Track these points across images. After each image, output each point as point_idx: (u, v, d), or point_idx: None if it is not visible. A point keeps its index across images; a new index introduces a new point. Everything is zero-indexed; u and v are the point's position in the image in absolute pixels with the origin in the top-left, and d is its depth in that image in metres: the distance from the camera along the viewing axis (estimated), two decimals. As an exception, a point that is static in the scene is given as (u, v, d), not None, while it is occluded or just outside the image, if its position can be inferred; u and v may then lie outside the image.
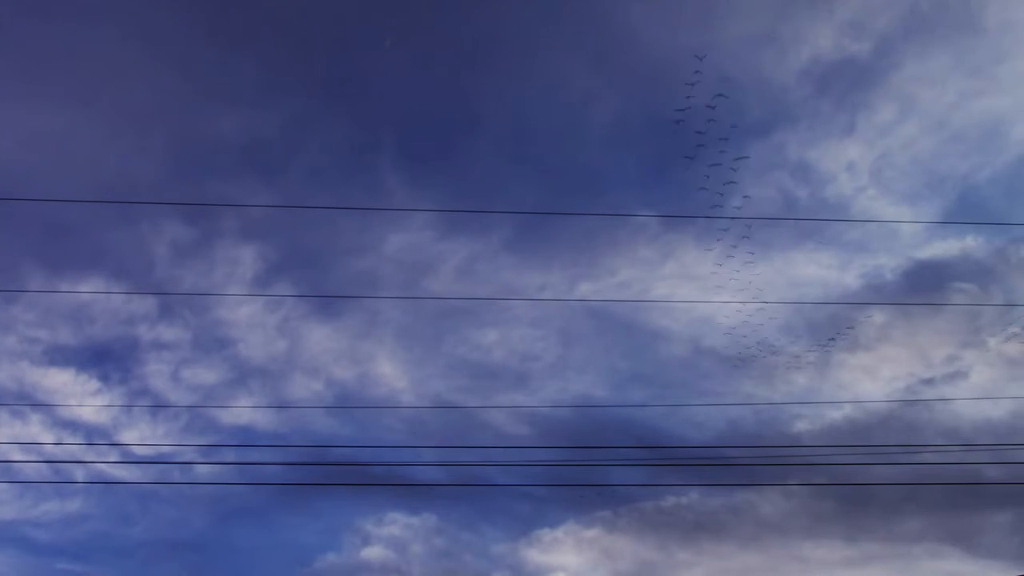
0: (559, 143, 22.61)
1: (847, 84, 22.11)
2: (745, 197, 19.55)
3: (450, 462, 13.86)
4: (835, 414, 20.00)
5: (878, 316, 21.07)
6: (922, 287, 21.59)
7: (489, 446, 14.41)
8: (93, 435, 18.24)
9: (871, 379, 21.71)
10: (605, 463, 13.82)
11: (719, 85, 21.71)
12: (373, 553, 22.06)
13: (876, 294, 21.39)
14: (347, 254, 21.54)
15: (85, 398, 20.82)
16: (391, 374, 21.98)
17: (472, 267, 21.77)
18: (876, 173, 22.37)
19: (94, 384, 21.87)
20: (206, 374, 22.01)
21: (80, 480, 14.78)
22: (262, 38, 20.94)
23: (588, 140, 22.77)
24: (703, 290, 21.65)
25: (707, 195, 22.28)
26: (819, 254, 22.06)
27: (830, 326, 21.05)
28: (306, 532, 22.90)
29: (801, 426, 19.89)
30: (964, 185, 22.47)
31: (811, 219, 21.64)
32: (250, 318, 21.89)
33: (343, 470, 13.74)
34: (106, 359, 21.79)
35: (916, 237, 22.20)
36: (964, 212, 22.63)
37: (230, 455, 16.00)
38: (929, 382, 21.30)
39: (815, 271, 22.00)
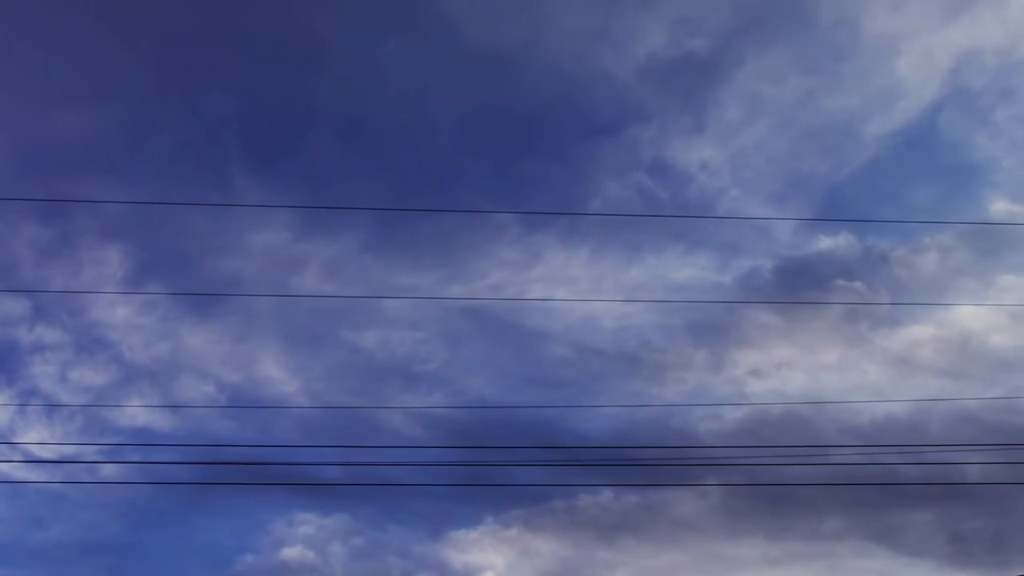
0: (407, 142, 22.51)
1: (690, 81, 22.12)
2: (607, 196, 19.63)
3: (358, 462, 13.58)
4: (734, 413, 19.87)
5: (764, 315, 21.02)
6: (802, 286, 21.62)
7: (398, 446, 14.15)
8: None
9: (762, 379, 21.67)
10: (516, 463, 13.61)
11: (561, 82, 21.72)
12: (292, 553, 21.56)
13: (756, 294, 21.40)
14: (212, 254, 21.21)
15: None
16: (279, 376, 21.61)
17: (341, 268, 21.55)
18: (734, 173, 22.44)
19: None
20: (92, 376, 21.62)
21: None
22: (99, 35, 20.52)
23: (436, 138, 22.69)
24: (576, 292, 21.63)
25: (568, 195, 22.33)
26: (692, 256, 22.01)
27: (715, 326, 21.05)
28: (220, 533, 22.38)
29: (703, 426, 19.74)
30: (826, 184, 22.65)
31: (681, 216, 21.54)
32: (128, 319, 21.43)
33: (251, 471, 13.46)
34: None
35: (789, 237, 22.36)
36: (828, 211, 22.90)
37: (131, 456, 15.45)
38: (820, 380, 21.28)
39: (691, 272, 21.98)
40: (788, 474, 13.94)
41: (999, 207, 21.44)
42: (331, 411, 16.85)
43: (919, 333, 21.24)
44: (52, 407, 18.28)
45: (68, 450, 15.21)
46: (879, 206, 23.46)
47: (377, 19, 21.60)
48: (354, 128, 22.46)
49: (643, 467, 13.90)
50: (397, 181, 21.95)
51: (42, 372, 21.39)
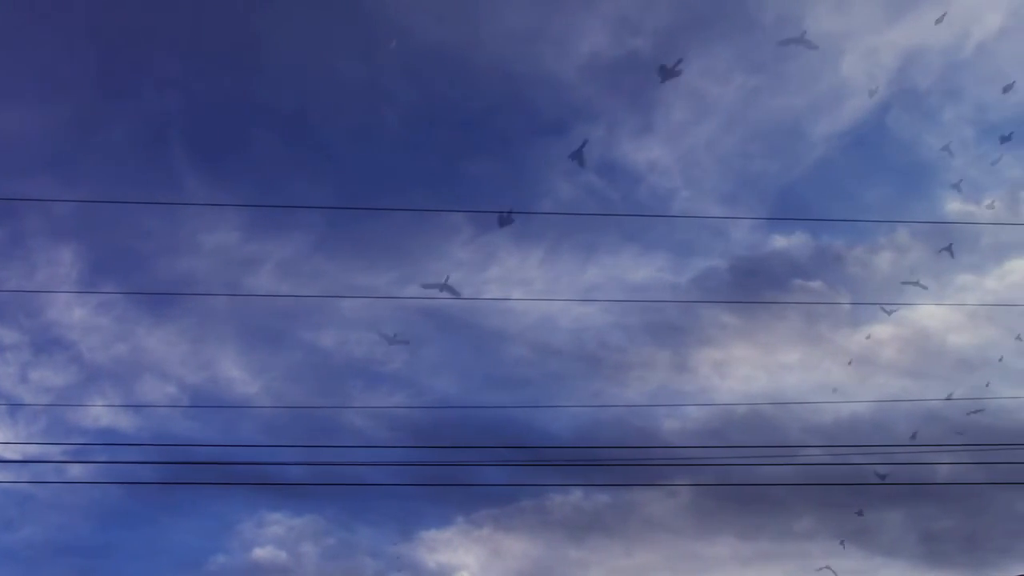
0: (353, 141, 22.38)
1: (634, 81, 22.07)
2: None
3: (326, 463, 13.48)
4: (697, 413, 19.85)
5: (724, 316, 21.02)
6: (759, 286, 21.62)
7: (366, 446, 14.05)
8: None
9: (723, 378, 21.68)
10: (484, 463, 13.53)
11: (505, 81, 21.67)
12: (263, 554, 21.43)
13: (713, 295, 21.40)
14: (164, 254, 20.96)
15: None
16: (240, 377, 21.52)
17: (295, 268, 21.31)
18: (684, 173, 22.38)
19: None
20: (53, 377, 21.45)
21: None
22: (42, 33, 20.27)
23: (382, 138, 22.51)
24: (532, 293, 21.58)
25: (518, 195, 22.28)
26: (647, 256, 21.95)
27: (675, 327, 21.04)
28: (190, 534, 22.28)
29: (667, 425, 19.72)
30: (777, 184, 22.62)
31: (640, 215, 21.51)
32: (85, 320, 21.28)
33: (218, 472, 13.35)
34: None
35: (744, 237, 22.30)
36: (781, 211, 22.91)
37: (97, 457, 15.28)
38: (781, 379, 21.30)
39: (647, 273, 21.86)
40: (758, 474, 13.92)
41: (952, 206, 21.54)
42: (296, 412, 16.71)
43: (879, 332, 21.30)
44: (14, 407, 18.05)
45: (33, 450, 15.03)
46: (832, 206, 23.49)
47: (320, 17, 21.46)
48: (299, 128, 22.29)
49: (611, 467, 13.84)
50: (345, 181, 21.78)
51: (1, 373, 21.23)
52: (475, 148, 22.35)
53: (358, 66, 21.89)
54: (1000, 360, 18.92)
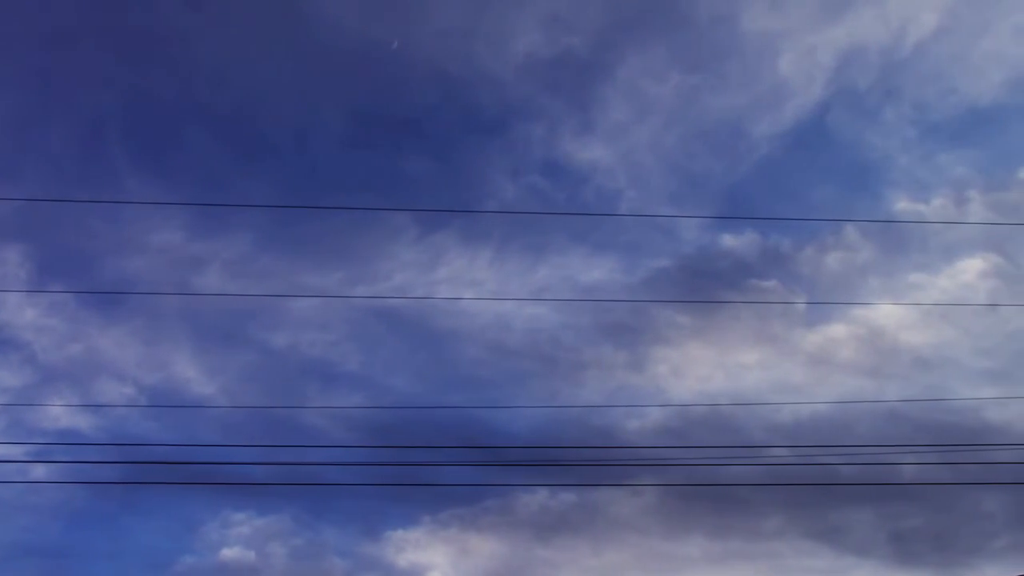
0: (292, 142, 22.33)
1: (572, 80, 22.01)
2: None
3: (290, 462, 13.35)
4: (656, 413, 19.79)
5: (680, 316, 20.95)
6: (713, 286, 21.58)
7: (330, 445, 13.95)
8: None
9: (681, 378, 21.63)
10: (449, 463, 13.43)
11: (441, 81, 21.56)
12: (232, 554, 21.22)
13: (666, 295, 21.32)
14: (111, 254, 20.86)
15: None
16: (196, 377, 21.33)
17: (244, 268, 21.23)
18: (629, 173, 22.36)
19: None
20: (7, 377, 21.05)
21: None
22: None
23: (321, 138, 22.45)
24: (482, 293, 21.48)
25: (461, 196, 22.18)
26: (597, 257, 21.89)
27: (631, 327, 20.97)
28: (156, 535, 22.00)
29: (628, 425, 19.62)
30: (722, 184, 22.67)
31: (593, 214, 21.42)
32: (37, 320, 21.04)
33: (182, 472, 13.21)
34: None
35: (695, 237, 22.37)
36: (728, 211, 22.91)
37: (59, 457, 15.08)
38: (739, 379, 21.25)
39: (599, 274, 21.80)
40: (725, 474, 13.88)
41: (899, 206, 21.59)
42: (255, 412, 16.55)
43: (835, 332, 21.33)
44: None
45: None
46: (778, 205, 23.53)
47: (256, 17, 21.32)
48: (238, 127, 22.19)
49: (577, 467, 13.77)
50: (285, 181, 21.71)
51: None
52: (415, 148, 22.30)
53: (295, 65, 21.82)
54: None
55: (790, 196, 22.76)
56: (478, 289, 21.47)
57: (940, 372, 20.34)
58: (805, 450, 14.08)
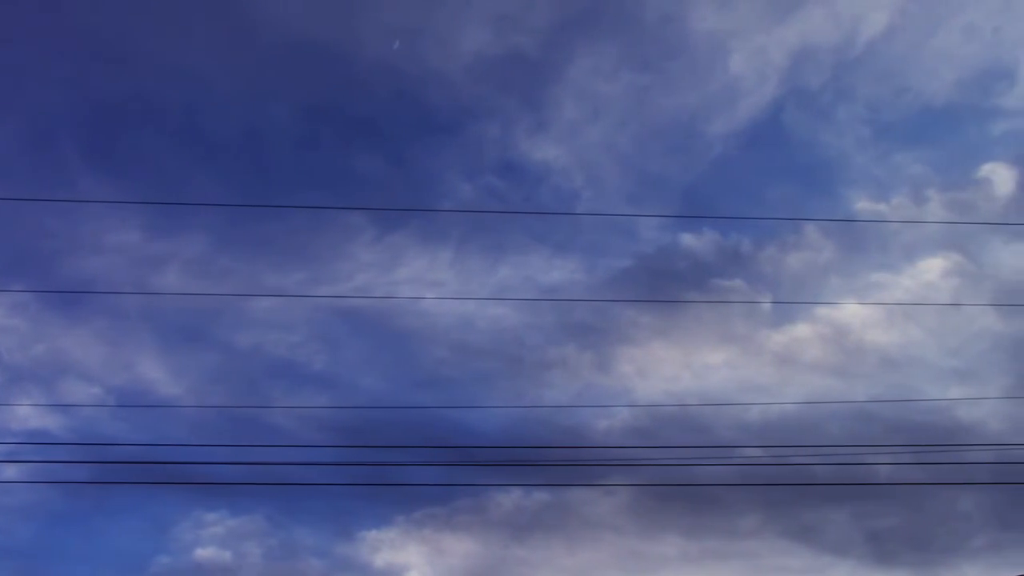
0: (243, 141, 22.18)
1: (524, 79, 21.92)
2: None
3: (263, 462, 13.24)
4: (623, 413, 19.74)
5: (644, 316, 20.89)
6: (677, 286, 21.53)
7: (303, 445, 13.82)
8: None
9: (647, 378, 21.57)
10: (422, 463, 13.36)
11: (392, 80, 21.44)
12: (207, 554, 21.07)
13: (629, 295, 21.28)
14: (69, 255, 20.64)
15: None
16: (162, 378, 21.09)
17: (204, 268, 21.00)
18: (586, 173, 22.29)
19: None
20: None
21: None
22: None
23: (272, 139, 22.29)
24: (444, 294, 21.37)
25: (418, 197, 22.05)
26: (558, 258, 21.83)
27: (596, 327, 20.91)
28: (130, 535, 21.81)
29: (597, 425, 19.57)
30: (679, 184, 22.65)
31: (555, 213, 21.33)
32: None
33: (154, 473, 13.10)
34: None
35: (656, 237, 22.30)
36: (687, 211, 22.80)
37: (29, 458, 14.91)
38: (705, 379, 21.22)
39: (560, 274, 21.72)
40: (700, 473, 13.83)
41: (858, 205, 21.61)
42: (225, 412, 16.43)
43: (800, 331, 21.31)
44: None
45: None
46: (736, 205, 23.49)
47: (205, 15, 21.15)
48: (190, 128, 22.00)
49: (549, 467, 13.70)
50: (239, 181, 21.55)
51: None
52: (369, 148, 22.19)
53: (245, 64, 21.63)
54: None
55: (747, 196, 22.78)
56: (440, 289, 21.41)
57: (907, 371, 20.39)
58: (779, 450, 14.07)
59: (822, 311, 20.97)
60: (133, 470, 12.92)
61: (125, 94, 21.41)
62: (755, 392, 20.38)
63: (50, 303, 19.96)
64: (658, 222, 21.60)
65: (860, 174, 22.25)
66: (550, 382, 21.02)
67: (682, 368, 21.31)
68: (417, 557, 20.68)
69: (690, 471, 13.63)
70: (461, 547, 20.77)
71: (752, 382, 20.67)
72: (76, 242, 20.12)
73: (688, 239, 21.86)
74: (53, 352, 20.62)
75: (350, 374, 21.52)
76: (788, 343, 20.96)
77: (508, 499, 20.44)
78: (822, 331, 21.15)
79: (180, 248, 21.16)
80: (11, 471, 13.84)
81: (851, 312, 20.86)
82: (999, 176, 21.07)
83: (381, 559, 20.68)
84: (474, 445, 13.90)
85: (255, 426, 16.02)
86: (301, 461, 13.10)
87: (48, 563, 21.14)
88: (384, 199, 22.24)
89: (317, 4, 21.21)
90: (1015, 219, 20.48)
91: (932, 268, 20.84)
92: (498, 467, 13.79)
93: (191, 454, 13.54)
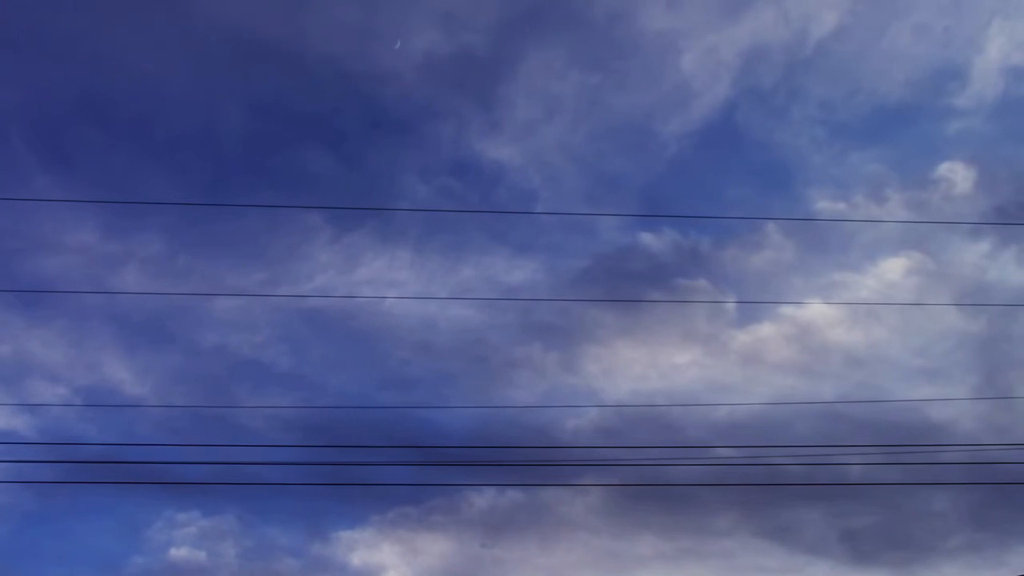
0: (196, 141, 21.98)
1: (475, 78, 21.81)
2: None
3: (234, 462, 13.14)
4: (590, 412, 19.69)
5: (608, 316, 20.84)
6: (638, 286, 21.48)
7: (275, 445, 13.74)
8: None
9: (615, 378, 21.51)
10: (390, 463, 13.28)
11: (342, 79, 21.33)
12: (182, 554, 20.93)
13: (591, 294, 21.22)
14: (24, 253, 20.29)
15: None
16: (129, 379, 20.98)
17: (164, 268, 20.78)
18: (542, 173, 22.21)
19: None
20: None
21: None
22: None
23: (223, 139, 22.09)
24: (405, 294, 21.28)
25: (374, 197, 21.94)
26: (519, 258, 21.74)
27: (559, 327, 20.86)
28: (103, 536, 21.67)
29: (566, 425, 19.50)
30: (636, 184, 22.63)
31: (514, 212, 21.24)
32: None
33: (124, 473, 12.98)
34: None
35: (615, 237, 22.14)
36: (645, 210, 22.73)
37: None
38: (671, 378, 21.21)
39: (522, 274, 21.62)
40: (673, 473, 13.78)
41: (817, 205, 21.62)
42: (192, 413, 16.29)
43: (765, 331, 21.30)
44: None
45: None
46: (694, 205, 23.51)
47: (152, 15, 20.95)
48: (143, 128, 21.80)
49: (522, 467, 13.64)
50: (194, 181, 21.32)
51: None
52: (322, 148, 22.04)
53: (194, 64, 21.43)
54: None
55: (705, 195, 22.81)
56: (401, 290, 21.33)
57: (873, 370, 20.41)
58: (751, 449, 14.04)
59: (787, 310, 21.00)
60: (103, 470, 12.82)
61: (77, 94, 21.30)
62: (722, 391, 20.40)
63: (8, 303, 19.76)
64: (619, 222, 21.51)
65: (817, 174, 22.29)
66: (516, 382, 20.99)
67: (648, 368, 21.28)
68: (393, 557, 20.62)
69: (664, 471, 13.60)
70: (436, 547, 20.72)
71: (719, 382, 20.69)
72: (33, 242, 19.90)
73: (650, 239, 21.81)
74: (15, 353, 20.43)
75: (315, 374, 21.40)
76: (753, 343, 20.98)
77: (482, 499, 20.38)
78: (787, 330, 21.18)
79: (138, 248, 21.00)
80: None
81: (816, 311, 20.90)
82: (956, 175, 21.17)
83: (358, 559, 20.60)
84: (446, 445, 13.82)
85: (222, 426, 15.92)
86: (271, 461, 13.05)
87: (21, 565, 20.98)
88: (339, 199, 22.26)
89: (268, 2, 21.09)
90: (973, 217, 20.57)
91: (894, 267, 20.89)
92: (470, 467, 13.74)
93: (161, 454, 13.46)
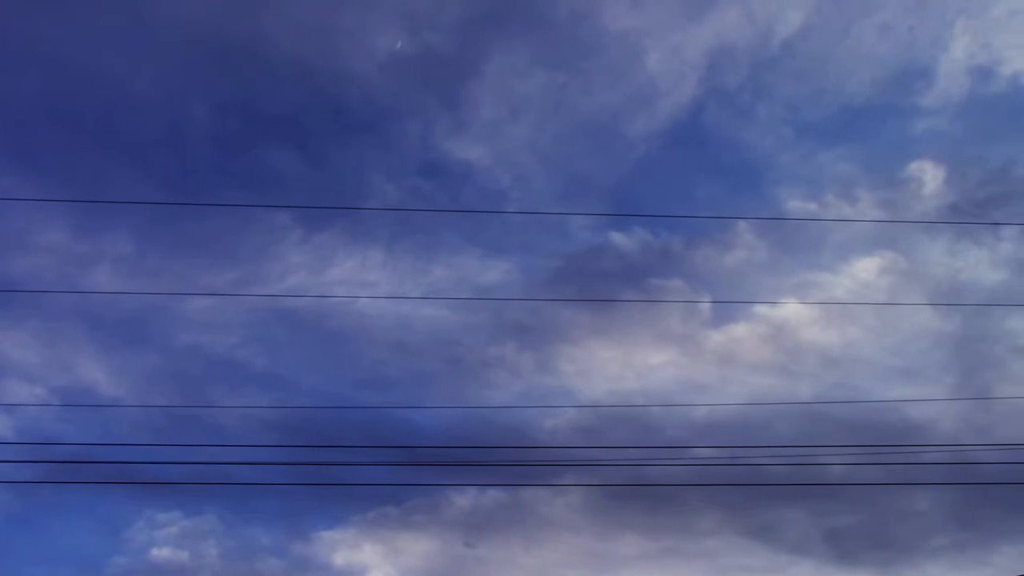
0: (161, 141, 21.80)
1: (439, 78, 21.72)
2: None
3: (214, 462, 13.08)
4: (567, 412, 19.64)
5: (583, 316, 20.78)
6: (612, 285, 21.45)
7: (257, 445, 13.69)
8: None
9: (592, 377, 21.46)
10: (370, 463, 13.22)
11: (306, 78, 21.24)
12: (163, 554, 20.83)
13: (566, 294, 21.13)
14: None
15: None
16: (104, 379, 20.86)
17: (135, 268, 20.64)
18: (510, 173, 22.11)
19: None
20: None
21: None
22: None
23: (188, 139, 21.95)
24: (378, 294, 21.21)
25: (344, 197, 21.88)
26: (492, 259, 21.61)
27: (534, 327, 20.82)
28: (84, 536, 21.57)
29: (544, 425, 19.43)
30: (605, 184, 22.56)
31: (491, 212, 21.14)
32: None
33: (104, 473, 12.90)
34: None
35: (587, 237, 22.05)
36: (616, 210, 22.67)
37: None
38: (647, 378, 21.15)
39: (495, 274, 21.52)
40: (656, 473, 13.77)
41: (788, 204, 21.59)
42: (170, 413, 16.22)
43: (741, 331, 21.29)
44: None
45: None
46: (664, 205, 23.45)
47: (116, 15, 20.76)
48: (108, 128, 21.62)
49: (503, 467, 13.61)
50: (161, 181, 21.09)
51: None
52: (289, 147, 21.89)
53: (159, 64, 21.25)
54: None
55: (675, 195, 22.76)
56: (373, 290, 21.21)
57: (849, 369, 20.43)
58: (732, 449, 14.04)
59: (762, 310, 20.98)
60: (82, 470, 12.75)
61: (44, 93, 21.09)
62: (698, 391, 20.39)
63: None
64: (591, 222, 21.43)
65: (786, 173, 22.26)
66: (491, 382, 20.92)
67: (624, 367, 21.22)
68: (375, 557, 20.55)
69: (646, 471, 13.58)
70: (419, 547, 20.66)
71: (695, 381, 20.68)
72: (2, 242, 19.74)
73: (621, 239, 21.73)
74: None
75: (290, 374, 21.27)
76: (729, 342, 20.97)
77: (464, 499, 20.32)
78: (763, 330, 21.16)
79: (109, 247, 20.88)
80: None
81: (791, 311, 20.90)
82: (926, 174, 21.19)
83: (340, 559, 20.53)
84: (425, 445, 13.77)
85: (200, 426, 15.84)
86: (250, 461, 12.99)
87: (1, 565, 20.85)
88: (307, 199, 22.10)
89: (233, 2, 20.95)
90: (941, 216, 20.58)
91: (868, 267, 20.89)
92: (450, 467, 13.70)
93: (140, 454, 13.38)
